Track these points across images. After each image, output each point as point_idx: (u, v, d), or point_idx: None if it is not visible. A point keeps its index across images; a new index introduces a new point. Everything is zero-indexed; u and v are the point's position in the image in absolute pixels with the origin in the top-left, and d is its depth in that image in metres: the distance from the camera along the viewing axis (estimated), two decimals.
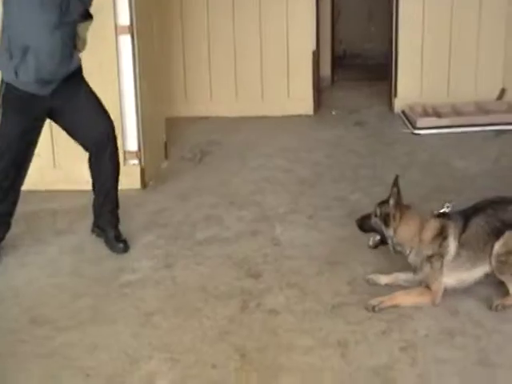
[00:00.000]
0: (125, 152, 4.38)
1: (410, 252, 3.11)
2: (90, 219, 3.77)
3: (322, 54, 6.69)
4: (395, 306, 3.03)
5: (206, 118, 5.95)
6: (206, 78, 6.15)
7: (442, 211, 3.21)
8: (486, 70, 5.96)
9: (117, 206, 3.69)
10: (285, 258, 3.57)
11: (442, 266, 3.05)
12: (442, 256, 3.05)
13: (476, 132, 5.41)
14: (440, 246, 3.05)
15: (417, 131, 5.50)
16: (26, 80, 3.24)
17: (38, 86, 3.28)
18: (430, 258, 3.05)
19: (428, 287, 3.06)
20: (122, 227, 3.71)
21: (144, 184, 4.53)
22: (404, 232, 3.10)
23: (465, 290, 3.12)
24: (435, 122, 5.54)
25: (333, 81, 7.35)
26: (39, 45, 3.17)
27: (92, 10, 3.36)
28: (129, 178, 4.33)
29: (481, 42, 5.94)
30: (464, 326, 2.91)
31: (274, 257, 3.58)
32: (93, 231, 3.77)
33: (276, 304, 3.13)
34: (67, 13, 3.18)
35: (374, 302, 3.04)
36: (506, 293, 3.04)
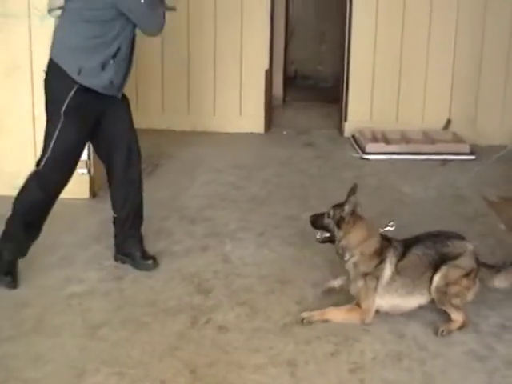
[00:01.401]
0: None
1: (349, 260, 3.18)
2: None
3: (274, 74, 6.77)
4: (325, 321, 3.10)
5: (158, 130, 5.91)
6: (158, 91, 6.13)
7: (386, 229, 3.31)
8: (434, 99, 6.14)
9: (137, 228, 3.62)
10: (235, 275, 3.56)
11: (375, 286, 3.11)
12: (376, 277, 3.11)
13: (423, 160, 5.56)
14: (376, 266, 3.12)
15: (366, 156, 5.60)
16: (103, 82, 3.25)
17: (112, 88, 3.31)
18: (365, 276, 3.12)
19: (358, 304, 3.12)
20: (68, 237, 3.63)
21: (93, 193, 4.46)
22: (351, 239, 3.17)
23: (410, 315, 3.18)
24: (384, 148, 5.67)
25: (284, 101, 7.44)
26: (123, 51, 3.28)
27: None
28: (78, 187, 4.24)
29: (429, 70, 6.11)
30: (410, 350, 2.96)
31: (225, 273, 3.57)
32: (116, 259, 3.63)
33: (226, 321, 3.12)
34: None
35: (304, 314, 3.12)
36: (449, 318, 3.11)
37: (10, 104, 4.37)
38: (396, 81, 6.15)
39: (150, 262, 3.56)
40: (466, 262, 3.11)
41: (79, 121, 3.26)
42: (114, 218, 3.58)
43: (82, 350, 2.85)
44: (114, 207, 3.57)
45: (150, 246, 3.80)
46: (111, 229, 3.98)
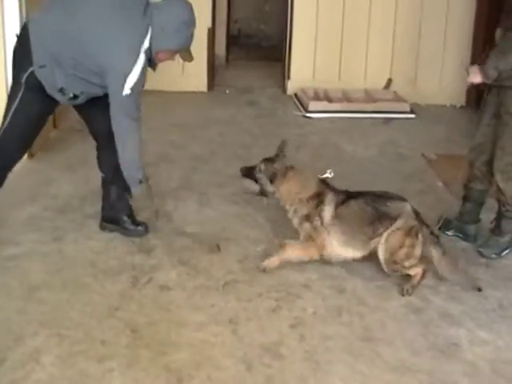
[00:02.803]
0: None
1: (290, 209, 3.24)
2: None
3: (217, 33, 6.66)
4: (285, 261, 3.16)
5: None
6: None
7: (324, 176, 3.36)
8: (375, 59, 6.18)
9: (125, 190, 3.36)
10: (177, 234, 3.54)
11: (322, 223, 3.16)
12: (319, 216, 3.17)
13: (364, 118, 5.60)
14: (316, 207, 3.18)
15: (308, 114, 5.61)
16: None
17: None
18: (308, 217, 3.18)
19: (312, 239, 3.17)
20: (4, 199, 3.51)
21: (31, 154, 4.32)
22: (285, 191, 3.23)
23: (350, 271, 3.24)
24: (326, 107, 5.69)
25: (227, 60, 7.36)
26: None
27: None
28: None
29: (371, 30, 6.14)
30: (349, 304, 3.02)
31: (166, 233, 3.54)
32: (102, 227, 3.50)
33: (167, 280, 3.10)
34: None
35: (264, 263, 3.16)
36: (409, 276, 3.15)
37: None
38: (338, 40, 6.15)
39: (140, 228, 3.47)
40: (404, 222, 3.13)
41: (40, 94, 3.10)
42: (102, 178, 3.48)
43: (20, 313, 2.79)
44: (100, 166, 3.46)
45: (91, 207, 3.74)
46: (49, 191, 3.90)
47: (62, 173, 4.20)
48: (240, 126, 5.32)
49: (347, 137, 5.20)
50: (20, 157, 3.31)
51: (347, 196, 3.22)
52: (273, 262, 3.19)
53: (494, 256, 3.47)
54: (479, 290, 3.11)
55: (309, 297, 3.05)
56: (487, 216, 3.63)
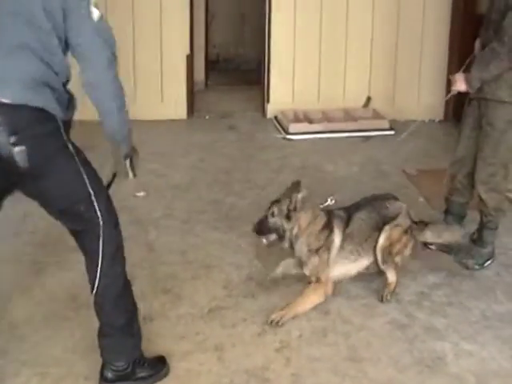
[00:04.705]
0: None
1: (300, 244, 3.18)
2: None
3: (195, 58, 6.69)
4: (296, 315, 3.04)
5: (78, 121, 5.73)
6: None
7: (326, 204, 3.36)
8: (354, 78, 6.22)
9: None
10: (160, 263, 3.52)
11: (328, 257, 3.17)
12: (328, 248, 3.17)
13: (345, 137, 5.62)
14: (326, 238, 3.17)
15: (289, 136, 5.63)
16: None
17: None
18: (317, 251, 3.15)
19: (318, 279, 3.15)
20: None
21: None
22: (301, 224, 3.17)
23: (335, 291, 3.22)
24: (307, 128, 5.70)
25: (206, 85, 7.38)
26: None
27: None
28: None
29: (349, 50, 6.18)
30: (334, 324, 3.01)
31: (149, 262, 3.52)
32: None
33: (150, 310, 3.07)
34: None
35: (274, 316, 3.02)
36: (386, 282, 3.22)
37: None
38: (317, 62, 6.19)
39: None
40: (404, 220, 3.27)
41: None
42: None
43: (0, 353, 2.75)
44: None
45: (71, 239, 3.71)
46: (28, 225, 3.87)
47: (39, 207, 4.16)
48: (220, 150, 5.32)
49: (328, 156, 5.21)
50: None
51: (349, 213, 3.26)
52: (283, 317, 3.01)
53: (476, 267, 3.48)
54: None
55: (294, 320, 3.03)
56: (468, 228, 3.65)
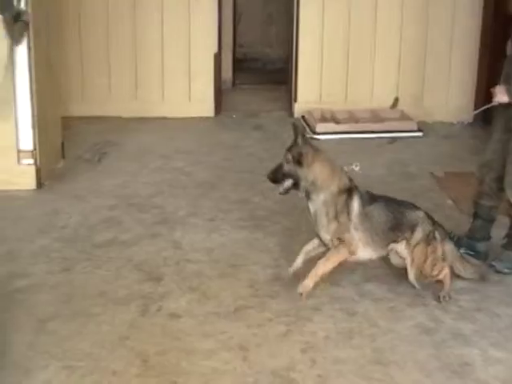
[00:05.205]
0: (19, 151, 4.23)
1: (317, 198, 3.09)
2: None
3: (223, 57, 6.72)
4: (323, 277, 3.07)
5: (104, 117, 5.80)
6: (104, 77, 6.01)
7: (350, 168, 3.32)
8: (381, 78, 6.18)
9: None
10: (186, 261, 3.53)
11: (349, 220, 3.09)
12: (347, 212, 3.09)
13: (371, 138, 5.59)
14: (345, 202, 3.09)
15: (315, 136, 5.61)
16: None
17: None
18: (335, 218, 3.08)
19: (340, 240, 3.09)
20: (14, 230, 3.52)
21: (39, 184, 4.37)
22: (316, 170, 3.09)
23: (361, 293, 3.22)
24: (333, 128, 5.69)
25: (233, 84, 7.40)
26: None
27: None
28: (23, 178, 4.19)
29: (377, 50, 6.15)
30: (361, 327, 2.99)
31: (175, 260, 3.54)
32: None
33: (177, 308, 3.09)
34: None
35: (299, 289, 3.05)
36: (441, 283, 3.21)
37: None
38: (344, 61, 6.16)
39: None
40: (422, 233, 3.16)
41: None
42: None
43: (30, 347, 2.78)
44: None
45: (99, 236, 3.76)
46: (58, 221, 3.92)
47: (70, 203, 4.22)
48: (246, 150, 5.33)
49: (355, 157, 5.17)
50: None
51: (371, 197, 3.19)
52: (308, 286, 3.07)
53: (506, 270, 3.44)
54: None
55: (319, 320, 3.03)
56: (498, 233, 3.61)
